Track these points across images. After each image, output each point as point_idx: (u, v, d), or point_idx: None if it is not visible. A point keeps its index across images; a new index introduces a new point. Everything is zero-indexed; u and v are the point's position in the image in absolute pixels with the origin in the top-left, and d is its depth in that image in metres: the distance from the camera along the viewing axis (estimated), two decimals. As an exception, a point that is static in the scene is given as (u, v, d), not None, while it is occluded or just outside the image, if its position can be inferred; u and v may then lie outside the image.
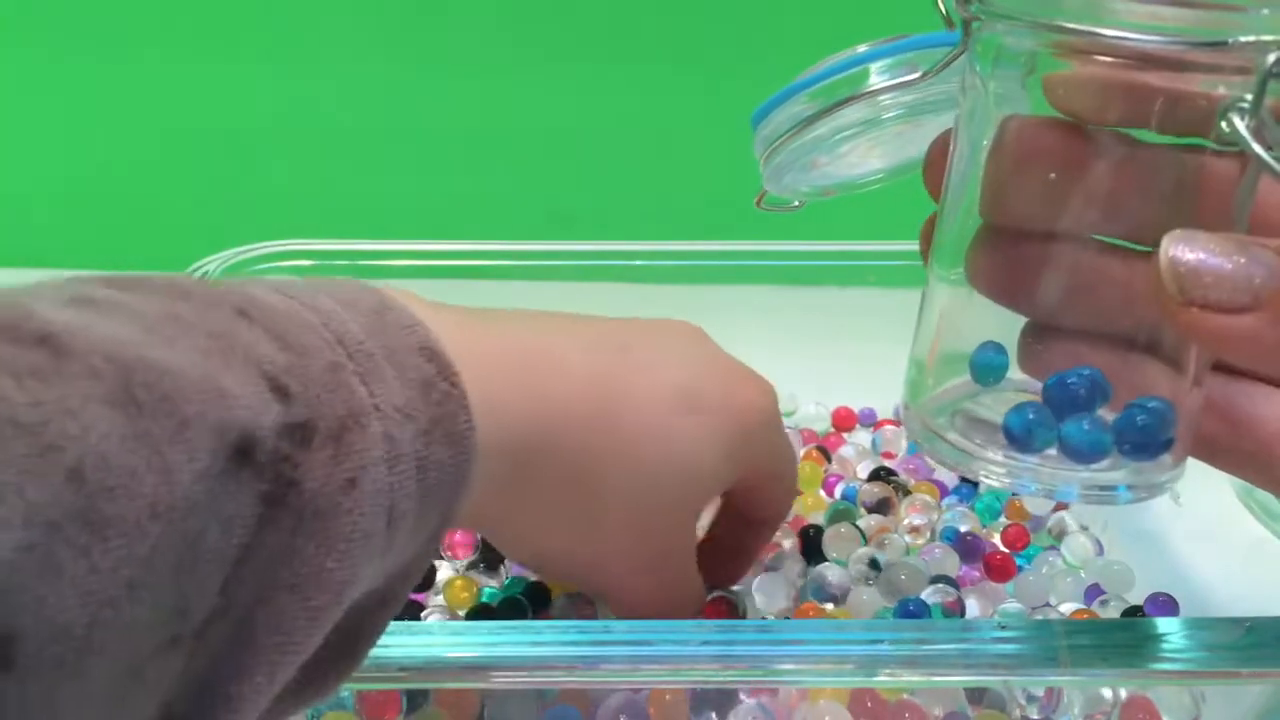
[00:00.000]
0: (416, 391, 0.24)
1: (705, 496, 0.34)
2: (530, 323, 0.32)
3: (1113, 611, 0.40)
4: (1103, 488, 0.25)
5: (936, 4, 0.26)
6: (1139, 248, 0.26)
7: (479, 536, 0.44)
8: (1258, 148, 0.22)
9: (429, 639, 0.27)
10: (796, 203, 0.36)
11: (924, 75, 0.28)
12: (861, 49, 0.30)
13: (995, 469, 0.26)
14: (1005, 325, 0.27)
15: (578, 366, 0.30)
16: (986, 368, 0.27)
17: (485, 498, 0.27)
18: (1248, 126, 0.22)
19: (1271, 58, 0.22)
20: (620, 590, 0.34)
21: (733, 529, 0.38)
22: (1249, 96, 0.22)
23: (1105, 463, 0.25)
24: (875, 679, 0.29)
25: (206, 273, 0.48)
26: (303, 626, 0.21)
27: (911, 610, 0.38)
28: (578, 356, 0.30)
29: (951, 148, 0.27)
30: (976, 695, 0.34)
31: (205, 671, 0.20)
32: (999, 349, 0.27)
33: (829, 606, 0.40)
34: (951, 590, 0.39)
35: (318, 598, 0.21)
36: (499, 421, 0.26)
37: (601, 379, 0.30)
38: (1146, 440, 0.24)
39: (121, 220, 0.72)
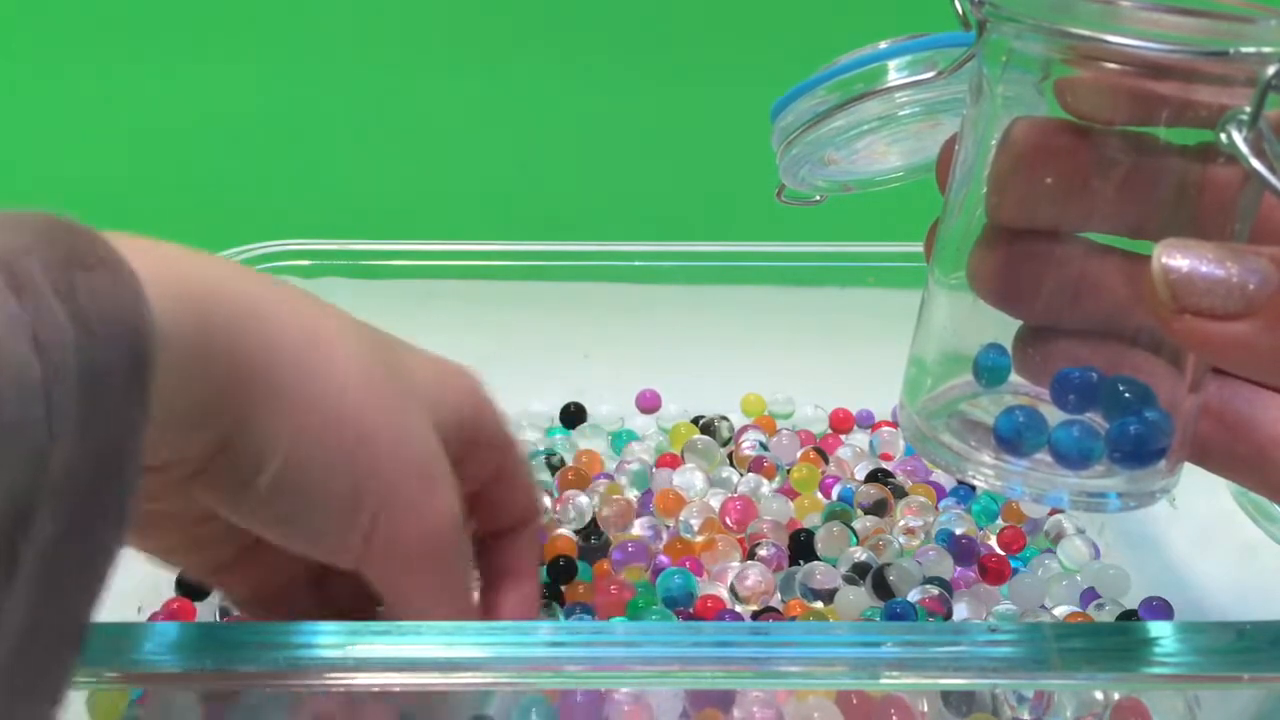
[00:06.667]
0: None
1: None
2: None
3: (1107, 615, 0.40)
4: (1093, 494, 0.25)
5: (953, 3, 0.26)
6: (1143, 251, 0.26)
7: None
8: (1254, 161, 0.22)
9: (425, 639, 0.27)
10: (818, 197, 0.36)
11: (939, 74, 0.28)
12: (882, 45, 0.30)
13: (986, 471, 0.26)
14: (1007, 327, 0.27)
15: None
16: (991, 369, 0.27)
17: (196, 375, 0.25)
18: (1245, 139, 0.22)
19: (1271, 70, 0.22)
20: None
21: (493, 557, 0.35)
22: (1248, 109, 0.22)
23: (1098, 469, 0.25)
24: (869, 682, 0.30)
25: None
26: None
27: (899, 612, 0.39)
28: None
29: (957, 148, 0.27)
30: (961, 707, 0.34)
31: None
32: (1003, 351, 0.27)
33: (817, 605, 0.40)
34: (933, 589, 0.40)
35: None
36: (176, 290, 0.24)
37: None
38: (1140, 449, 0.25)
39: (121, 221, 0.72)
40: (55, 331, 0.21)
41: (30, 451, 0.20)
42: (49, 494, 0.20)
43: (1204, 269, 0.23)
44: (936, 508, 0.47)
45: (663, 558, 0.43)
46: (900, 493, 0.47)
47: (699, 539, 0.44)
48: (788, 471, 0.49)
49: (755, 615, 0.40)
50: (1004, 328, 0.27)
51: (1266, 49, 0.22)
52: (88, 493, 0.21)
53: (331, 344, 0.29)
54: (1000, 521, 0.47)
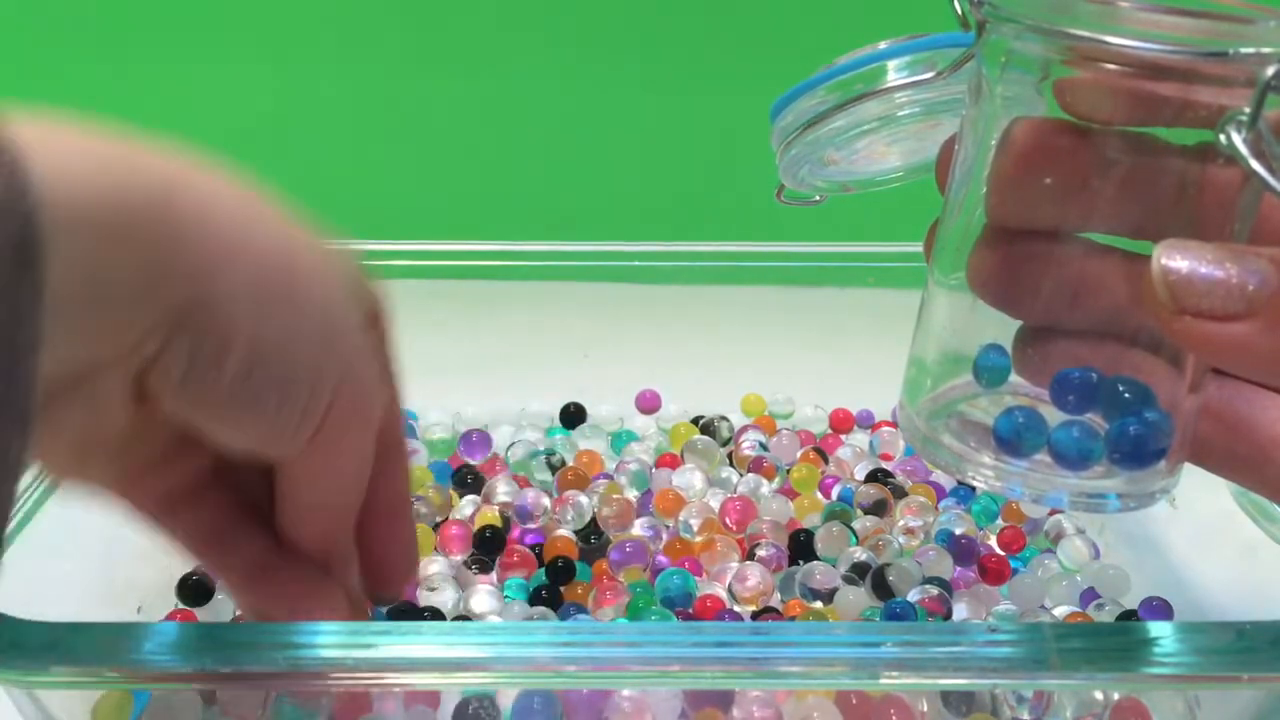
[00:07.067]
0: None
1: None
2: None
3: (1107, 615, 0.40)
4: (1092, 495, 0.25)
5: (953, 4, 0.26)
6: (1143, 251, 0.26)
7: (474, 531, 0.44)
8: (1254, 162, 0.22)
9: (425, 639, 0.27)
10: (818, 197, 0.36)
11: (938, 74, 0.28)
12: (881, 46, 0.30)
13: (986, 472, 0.26)
14: (1007, 327, 0.27)
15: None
16: (990, 370, 0.27)
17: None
18: (1245, 140, 0.22)
19: (1270, 70, 0.22)
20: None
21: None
22: (1247, 109, 0.22)
23: (1097, 470, 0.25)
24: (869, 682, 0.30)
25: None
26: None
27: (898, 612, 0.39)
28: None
29: (956, 149, 0.27)
30: (960, 707, 0.34)
31: None
32: (1002, 351, 0.27)
33: (817, 605, 0.40)
34: (933, 589, 0.40)
35: None
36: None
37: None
38: (1139, 450, 0.25)
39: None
40: None
41: None
42: None
43: (1203, 270, 0.23)
44: (936, 508, 0.47)
45: (662, 558, 0.43)
46: (900, 493, 0.47)
47: (698, 539, 0.44)
48: (788, 471, 0.49)
49: (755, 615, 0.40)
50: (1004, 328, 0.27)
51: (1266, 50, 0.22)
52: None
53: (268, 213, 0.27)
54: (1000, 521, 0.47)
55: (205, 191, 0.25)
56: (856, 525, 0.45)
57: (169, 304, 0.24)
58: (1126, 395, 0.25)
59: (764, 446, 0.51)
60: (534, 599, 0.41)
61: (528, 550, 0.44)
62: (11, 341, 0.20)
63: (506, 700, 0.33)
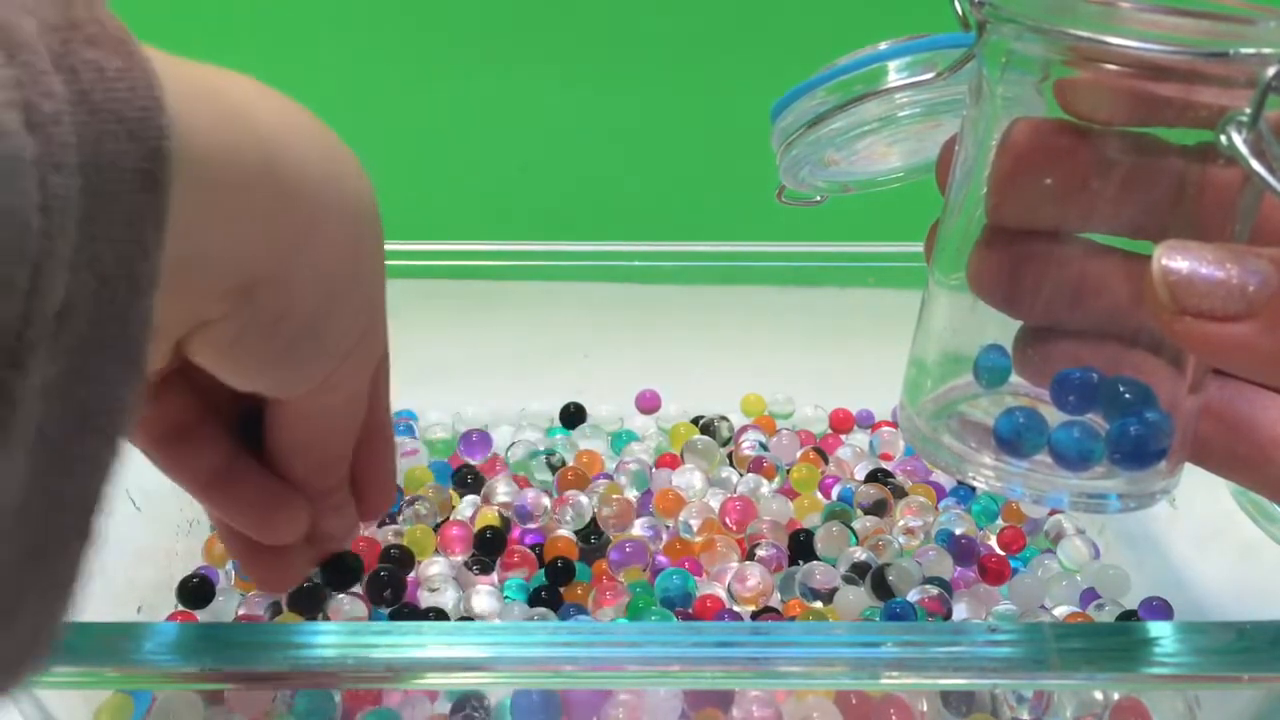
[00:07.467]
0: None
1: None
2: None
3: (1107, 615, 0.40)
4: (1093, 495, 0.25)
5: (953, 4, 0.26)
6: (1143, 251, 0.26)
7: (474, 531, 0.44)
8: (1254, 163, 0.22)
9: (425, 638, 0.27)
10: (818, 198, 0.36)
11: (938, 75, 0.28)
12: (882, 46, 0.30)
13: (986, 473, 0.26)
14: (1007, 327, 0.27)
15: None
16: (991, 370, 0.27)
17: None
18: (1245, 140, 0.22)
19: (1271, 71, 0.22)
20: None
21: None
22: (1248, 110, 0.22)
23: (1098, 470, 0.25)
24: (869, 682, 0.30)
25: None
26: None
27: (898, 612, 0.39)
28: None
29: (957, 149, 0.27)
30: (960, 707, 0.34)
31: None
32: (1003, 352, 0.27)
33: (817, 605, 0.40)
34: (933, 589, 0.40)
35: None
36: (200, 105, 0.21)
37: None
38: (1140, 450, 0.25)
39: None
40: (53, 105, 0.17)
41: (24, 252, 0.16)
42: (46, 320, 0.16)
43: (1204, 270, 0.23)
44: (936, 508, 0.47)
45: (662, 558, 0.43)
46: (900, 493, 0.47)
47: (698, 539, 0.44)
48: (787, 471, 0.49)
49: (755, 615, 0.41)
50: (1004, 328, 0.27)
51: (1266, 50, 0.22)
52: (92, 328, 0.17)
53: (345, 175, 0.25)
54: (1000, 521, 0.47)
55: (300, 152, 0.24)
56: (856, 525, 0.45)
57: (249, 275, 0.23)
58: (1127, 395, 0.25)
59: (764, 446, 0.51)
60: (534, 599, 0.41)
61: (528, 550, 0.44)
62: (133, 273, 0.18)
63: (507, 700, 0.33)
